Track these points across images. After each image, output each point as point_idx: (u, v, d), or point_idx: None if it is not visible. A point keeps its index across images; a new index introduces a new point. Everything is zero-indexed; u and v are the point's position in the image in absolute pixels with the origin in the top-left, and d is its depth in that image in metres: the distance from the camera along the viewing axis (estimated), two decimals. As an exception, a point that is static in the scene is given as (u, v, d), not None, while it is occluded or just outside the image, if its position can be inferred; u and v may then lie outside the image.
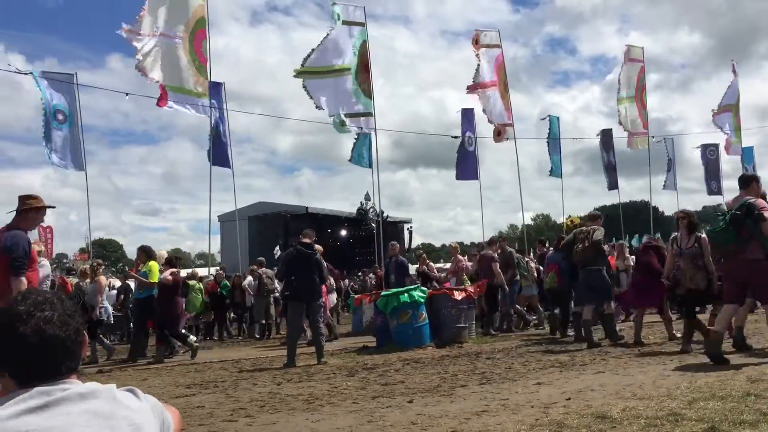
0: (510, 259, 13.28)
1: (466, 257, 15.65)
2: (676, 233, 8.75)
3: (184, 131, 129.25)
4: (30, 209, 6.31)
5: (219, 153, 17.69)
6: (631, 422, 4.54)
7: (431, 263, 15.88)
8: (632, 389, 5.94)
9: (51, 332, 1.61)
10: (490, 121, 20.02)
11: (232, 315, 18.09)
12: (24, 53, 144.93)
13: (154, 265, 11.25)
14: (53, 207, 6.82)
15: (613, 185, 24.58)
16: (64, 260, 40.71)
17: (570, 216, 26.19)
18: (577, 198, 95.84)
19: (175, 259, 12.38)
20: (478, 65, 19.55)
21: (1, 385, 1.61)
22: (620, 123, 23.11)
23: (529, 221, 55.08)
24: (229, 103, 18.32)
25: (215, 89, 17.10)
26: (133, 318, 12.66)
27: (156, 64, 14.72)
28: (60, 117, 15.17)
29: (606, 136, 24.42)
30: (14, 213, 6.31)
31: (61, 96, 15.29)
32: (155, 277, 11.11)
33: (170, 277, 11.20)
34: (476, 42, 19.77)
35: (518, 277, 13.31)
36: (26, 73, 15.61)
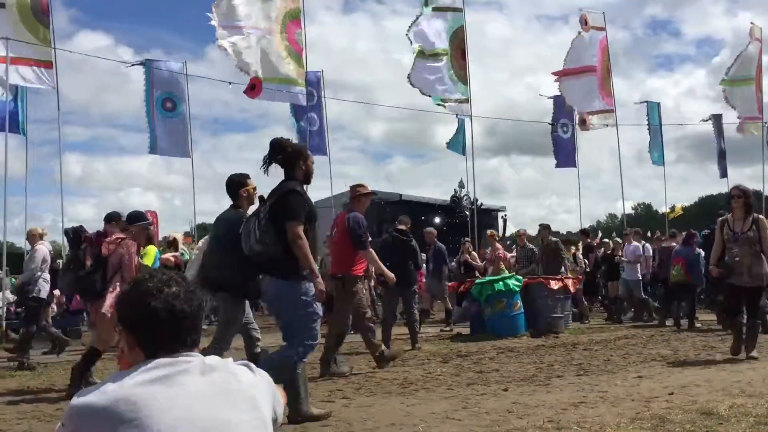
0: (556, 251, 12.99)
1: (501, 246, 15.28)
2: (727, 215, 7.70)
3: (280, 119, 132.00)
4: (361, 195, 7.62)
5: (314, 141, 17.98)
6: (738, 419, 4.36)
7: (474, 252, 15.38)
8: (740, 386, 5.69)
9: (179, 307, 1.72)
10: (571, 110, 19.43)
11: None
12: (132, 46, 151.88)
13: (150, 249, 10.42)
14: (375, 194, 8.31)
15: (723, 173, 23.37)
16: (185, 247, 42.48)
17: (674, 206, 25.20)
18: (680, 187, 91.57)
19: (175, 241, 11.84)
20: (568, 51, 18.96)
21: (132, 357, 1.73)
22: (733, 107, 21.64)
23: (629, 210, 53.37)
24: (317, 90, 18.48)
25: (311, 78, 17.35)
26: None
27: (249, 55, 15.05)
28: (168, 105, 15.87)
29: (717, 121, 23.16)
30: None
31: (170, 85, 15.99)
32: (149, 260, 10.09)
33: (171, 258, 10.30)
34: (585, 23, 19.12)
35: (563, 269, 12.98)
36: (139, 64, 16.42)
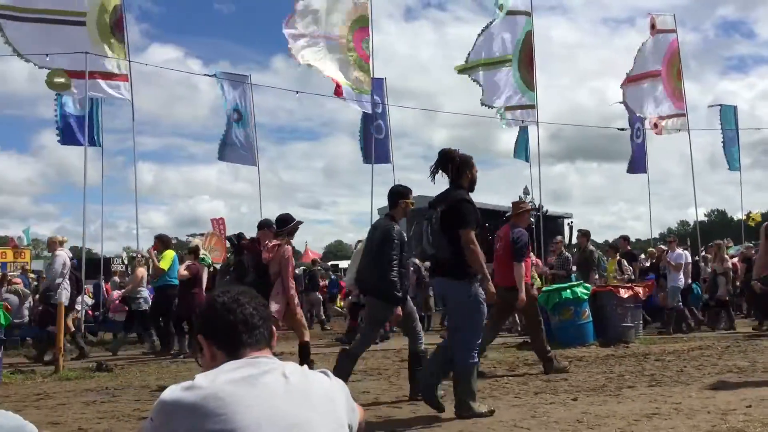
0: (589, 259, 12.66)
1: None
2: None
3: (343, 127, 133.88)
4: (523, 211, 8.23)
5: (379, 148, 18.07)
6: (823, 435, 4.19)
7: None
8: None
9: (251, 318, 1.88)
10: (639, 115, 18.94)
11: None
12: (201, 57, 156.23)
13: (167, 254, 10.94)
14: (538, 210, 8.29)
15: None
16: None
17: (750, 212, 24.21)
18: (757, 192, 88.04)
19: (196, 249, 11.89)
20: (635, 57, 18.52)
21: (210, 354, 1.87)
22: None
23: (702, 217, 51.63)
24: (382, 98, 18.55)
25: (377, 85, 17.47)
26: (150, 309, 11.70)
27: (325, 61, 15.31)
28: (236, 116, 16.28)
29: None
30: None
31: (237, 96, 16.40)
32: (165, 264, 10.78)
33: (185, 272, 10.71)
34: (653, 26, 18.70)
35: (597, 276, 12.64)
36: (210, 75, 16.93)
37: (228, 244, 11.49)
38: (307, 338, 7.45)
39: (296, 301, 7.47)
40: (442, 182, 5.58)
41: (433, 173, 5.47)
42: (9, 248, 18.78)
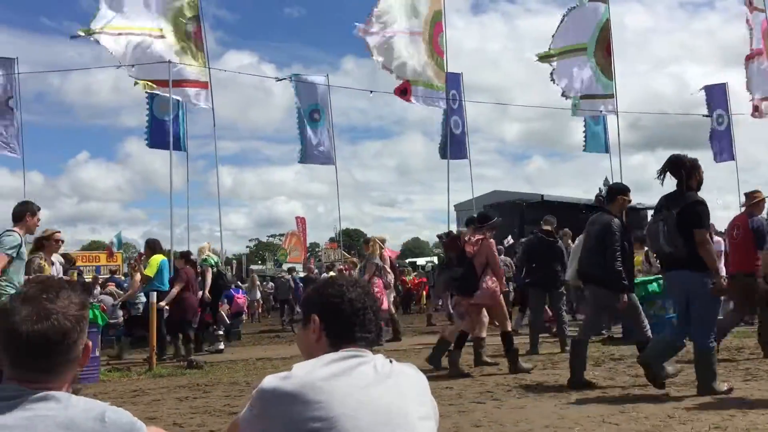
0: None
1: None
2: None
3: (415, 124, 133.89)
4: (760, 200, 8.26)
5: (455, 144, 17.97)
6: None
7: None
8: None
9: (359, 305, 1.94)
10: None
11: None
12: (274, 62, 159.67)
13: (153, 259, 10.71)
14: None
15: None
16: (317, 249, 44.16)
17: None
18: None
19: (189, 254, 11.94)
20: (751, 31, 17.74)
21: (318, 336, 1.93)
22: None
23: (795, 204, 48.84)
24: (458, 93, 18.42)
25: (453, 80, 17.37)
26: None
27: (397, 60, 15.41)
28: (315, 116, 16.57)
29: None
30: None
31: (315, 97, 16.69)
32: (150, 271, 10.55)
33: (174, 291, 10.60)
34: (750, 3, 17.87)
35: None
36: (283, 79, 17.29)
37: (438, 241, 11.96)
38: (509, 327, 7.94)
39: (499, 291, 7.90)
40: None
41: (662, 176, 5.88)
42: (103, 252, 19.73)
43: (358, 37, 15.29)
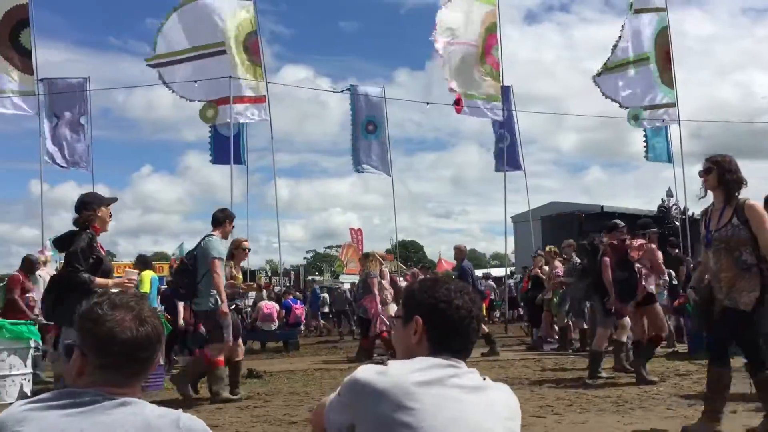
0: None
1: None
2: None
3: (470, 136, 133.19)
4: None
5: (509, 155, 17.86)
6: None
7: None
8: None
9: (464, 313, 1.87)
10: None
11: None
12: (329, 75, 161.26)
13: (145, 275, 10.42)
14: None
15: None
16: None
17: None
18: None
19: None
20: None
21: (419, 338, 1.87)
22: None
23: None
24: (508, 105, 18.29)
25: (504, 93, 17.31)
26: None
27: (452, 72, 15.45)
28: (371, 127, 16.71)
29: None
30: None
31: (372, 109, 16.85)
32: (144, 287, 10.22)
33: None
34: None
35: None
36: (343, 91, 17.52)
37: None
38: (665, 332, 8.28)
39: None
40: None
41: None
42: (165, 263, 20.24)
43: (435, 49, 15.39)
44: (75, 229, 5.28)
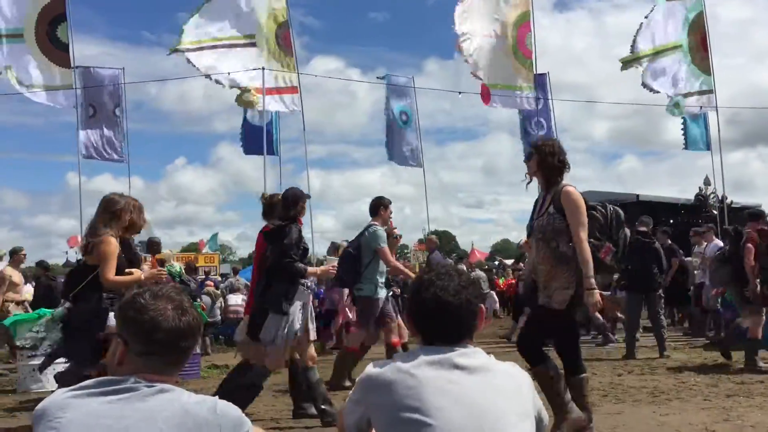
0: None
1: None
2: None
3: (501, 125, 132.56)
4: None
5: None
6: None
7: None
8: None
9: (445, 299, 1.91)
10: None
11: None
12: (359, 66, 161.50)
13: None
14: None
15: None
16: (405, 251, 44.17)
17: None
18: None
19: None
20: None
21: (412, 331, 2.02)
22: None
23: None
24: (544, 93, 17.97)
25: (539, 81, 17.07)
26: None
27: (480, 63, 15.31)
28: (404, 118, 16.68)
29: None
30: None
31: (404, 98, 16.80)
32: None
33: None
34: None
35: None
36: (378, 79, 17.47)
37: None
38: None
39: None
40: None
41: None
42: (199, 253, 20.46)
43: (456, 42, 15.25)
44: (281, 223, 5.45)
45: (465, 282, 1.96)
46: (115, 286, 4.85)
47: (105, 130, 15.15)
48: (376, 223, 7.11)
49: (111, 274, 4.81)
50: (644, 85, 15.70)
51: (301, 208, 5.63)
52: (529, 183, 4.64)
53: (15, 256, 10.01)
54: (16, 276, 9.59)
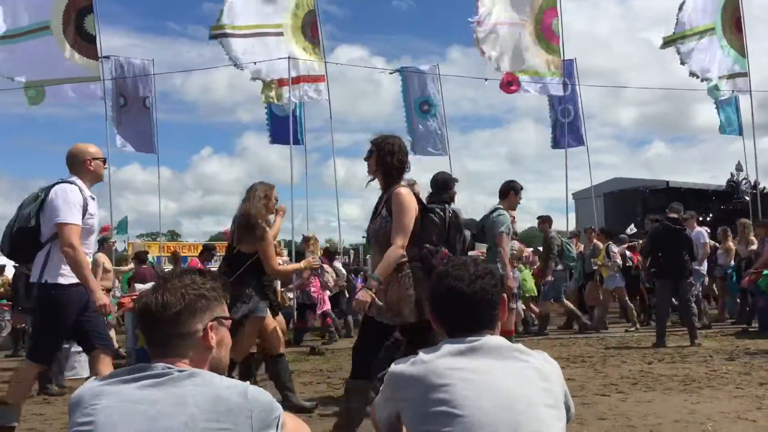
0: (547, 247, 11.45)
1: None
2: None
3: (527, 112, 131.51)
4: None
5: (572, 132, 17.42)
6: None
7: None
8: None
9: (459, 289, 1.93)
10: None
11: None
12: (383, 54, 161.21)
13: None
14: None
15: None
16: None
17: None
18: None
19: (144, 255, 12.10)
20: None
21: (435, 324, 2.02)
22: None
23: None
24: (571, 79, 17.72)
25: (565, 67, 16.84)
26: None
27: (502, 52, 15.14)
28: (425, 107, 16.58)
29: None
30: None
31: (425, 88, 16.68)
32: None
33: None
34: None
35: (556, 265, 11.29)
36: (392, 72, 17.37)
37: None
38: None
39: None
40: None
41: None
42: (225, 243, 20.57)
43: (473, 30, 15.09)
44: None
45: (481, 272, 1.96)
46: (279, 274, 5.52)
47: (134, 120, 15.33)
48: (501, 206, 7.04)
49: (275, 262, 5.35)
50: (683, 63, 15.42)
51: (454, 191, 5.58)
52: (370, 181, 4.31)
53: (105, 244, 10.13)
54: (108, 263, 9.76)
